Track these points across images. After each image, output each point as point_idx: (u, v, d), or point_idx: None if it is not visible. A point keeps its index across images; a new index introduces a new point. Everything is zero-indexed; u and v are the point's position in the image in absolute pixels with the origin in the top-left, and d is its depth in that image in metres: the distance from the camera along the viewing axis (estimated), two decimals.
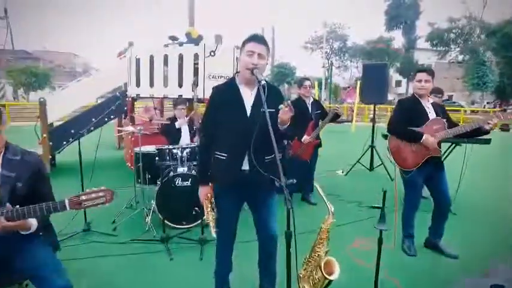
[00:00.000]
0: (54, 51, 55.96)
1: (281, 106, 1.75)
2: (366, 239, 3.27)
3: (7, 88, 28.12)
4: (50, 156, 5.74)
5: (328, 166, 6.70)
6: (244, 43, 1.91)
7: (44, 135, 5.46)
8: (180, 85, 5.32)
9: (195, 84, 4.75)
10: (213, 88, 2.02)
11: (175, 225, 3.41)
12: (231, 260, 2.22)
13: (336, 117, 4.04)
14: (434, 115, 2.83)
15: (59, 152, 5.89)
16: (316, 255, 1.92)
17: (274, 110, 1.87)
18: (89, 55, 73.52)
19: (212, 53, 5.09)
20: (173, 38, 5.40)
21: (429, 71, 2.87)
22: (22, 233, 1.67)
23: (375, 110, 6.59)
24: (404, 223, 3.08)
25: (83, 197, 1.62)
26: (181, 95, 5.15)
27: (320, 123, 4.08)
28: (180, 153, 3.53)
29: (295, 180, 1.58)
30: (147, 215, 3.59)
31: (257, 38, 1.90)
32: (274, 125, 1.90)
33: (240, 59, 1.96)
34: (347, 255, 2.97)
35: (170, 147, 3.63)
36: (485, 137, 2.96)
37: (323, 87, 31.89)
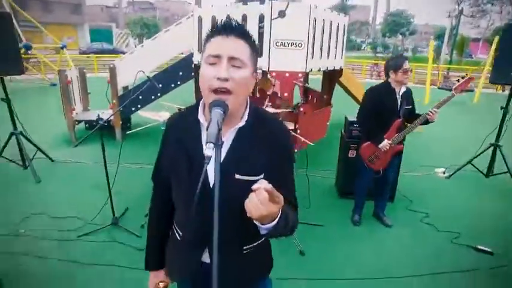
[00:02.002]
0: (171, 0, 59.96)
1: (260, 180, 0.84)
2: None
3: (130, 38, 31.53)
4: (121, 122, 5.79)
5: (427, 158, 5.24)
6: (205, 40, 1.00)
7: (114, 100, 5.47)
8: None
9: None
10: (168, 118, 1.20)
11: None
12: None
13: (426, 123, 2.77)
14: None
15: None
16: None
17: (258, 178, 1.00)
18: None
19: (281, 15, 4.05)
20: None
21: None
22: None
23: None
24: None
25: None
26: None
27: (408, 126, 2.84)
28: None
29: None
30: None
31: (226, 29, 0.95)
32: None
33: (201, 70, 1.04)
34: None
35: None
36: None
37: (445, 39, 26.34)
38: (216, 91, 0.94)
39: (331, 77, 6.04)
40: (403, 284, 2.52)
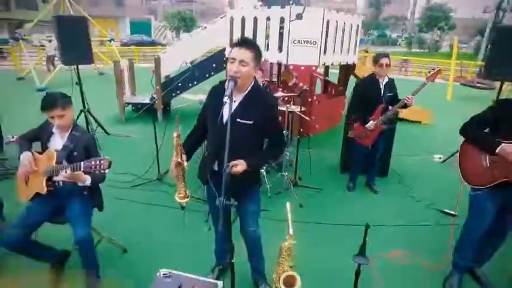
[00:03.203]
0: None
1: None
2: (404, 252, 2.95)
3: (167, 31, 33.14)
4: (162, 106, 6.83)
5: (432, 146, 5.84)
6: (231, 47, 1.86)
7: (157, 87, 6.50)
8: (267, 48, 5.33)
9: None
10: (211, 87, 2.08)
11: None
12: (227, 242, 2.38)
13: (405, 107, 3.47)
14: None
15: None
16: (281, 268, 1.95)
17: (251, 122, 1.84)
18: None
19: (299, 17, 4.82)
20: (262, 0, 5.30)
21: None
22: (79, 184, 2.28)
23: None
24: (456, 248, 2.60)
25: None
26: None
27: (390, 109, 3.56)
28: None
29: (236, 203, 1.59)
30: None
31: (240, 43, 1.80)
32: (253, 136, 1.89)
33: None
34: (373, 263, 2.78)
35: None
36: None
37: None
38: (231, 76, 1.80)
39: (346, 71, 6.71)
40: (382, 230, 3.28)
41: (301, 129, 5.81)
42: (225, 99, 1.65)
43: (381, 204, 3.88)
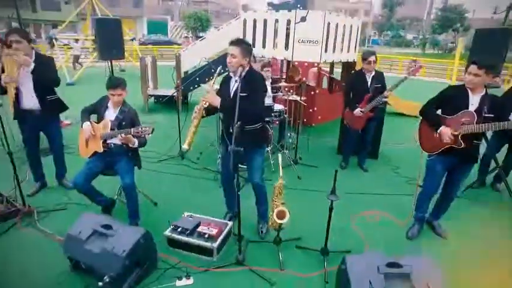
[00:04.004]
0: None
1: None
2: (381, 213, 3.63)
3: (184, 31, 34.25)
4: (181, 97, 7.62)
5: None
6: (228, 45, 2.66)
7: (178, 81, 7.28)
8: (275, 47, 6.05)
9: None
10: (223, 76, 2.84)
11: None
12: (233, 191, 2.96)
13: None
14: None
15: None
16: (275, 204, 2.67)
17: (245, 94, 2.57)
18: None
19: (303, 19, 5.51)
20: (271, 5, 6.01)
21: None
22: (130, 145, 3.05)
23: None
24: (416, 205, 3.28)
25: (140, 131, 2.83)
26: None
27: (374, 100, 4.21)
28: None
29: (242, 149, 2.33)
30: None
31: (230, 43, 2.63)
32: (247, 104, 2.58)
33: None
34: (348, 220, 3.46)
35: None
36: None
37: None
38: (227, 64, 2.57)
39: (348, 68, 7.35)
40: (365, 196, 3.95)
41: (305, 120, 6.50)
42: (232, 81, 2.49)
43: (368, 178, 4.56)
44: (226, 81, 2.87)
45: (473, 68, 2.69)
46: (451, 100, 2.86)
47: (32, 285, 2.50)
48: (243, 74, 2.64)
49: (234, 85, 2.73)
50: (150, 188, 3.84)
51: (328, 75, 8.72)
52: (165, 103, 8.05)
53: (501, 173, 4.13)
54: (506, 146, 4.15)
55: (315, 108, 6.64)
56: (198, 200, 3.79)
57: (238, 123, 2.40)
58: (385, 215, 3.61)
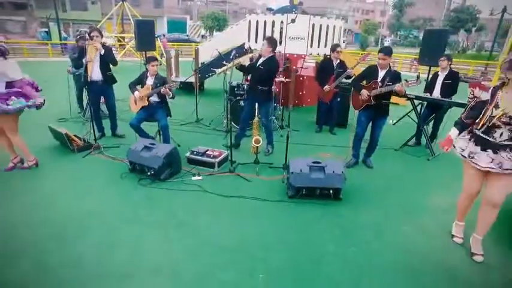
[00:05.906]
0: None
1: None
2: (331, 154, 5.23)
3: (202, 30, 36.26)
4: (198, 83, 9.34)
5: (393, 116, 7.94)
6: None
7: (196, 67, 9.00)
8: None
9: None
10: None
11: (235, 125, 6.20)
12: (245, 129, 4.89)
13: (348, 77, 5.68)
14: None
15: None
16: (254, 134, 4.34)
17: (262, 68, 4.36)
18: None
19: (292, 21, 7.12)
20: (270, 9, 7.63)
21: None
22: (167, 96, 4.74)
23: None
24: (352, 146, 4.86)
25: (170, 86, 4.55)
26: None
27: (337, 79, 5.78)
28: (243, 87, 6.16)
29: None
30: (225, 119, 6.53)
31: (264, 39, 4.43)
32: (263, 73, 4.41)
33: None
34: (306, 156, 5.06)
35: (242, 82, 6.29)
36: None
37: (509, 34, 26.00)
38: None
39: None
40: (327, 147, 5.54)
41: (297, 101, 8.10)
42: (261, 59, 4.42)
43: (333, 138, 6.15)
44: (257, 59, 4.63)
45: (381, 55, 4.26)
46: (369, 74, 4.44)
47: (106, 181, 4.22)
48: (268, 56, 4.40)
49: (260, 61, 4.53)
50: (176, 138, 5.56)
51: (315, 65, 10.28)
52: (185, 88, 9.81)
53: (424, 133, 5.65)
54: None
55: (304, 92, 8.23)
56: (207, 145, 5.49)
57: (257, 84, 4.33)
58: (333, 155, 5.21)
